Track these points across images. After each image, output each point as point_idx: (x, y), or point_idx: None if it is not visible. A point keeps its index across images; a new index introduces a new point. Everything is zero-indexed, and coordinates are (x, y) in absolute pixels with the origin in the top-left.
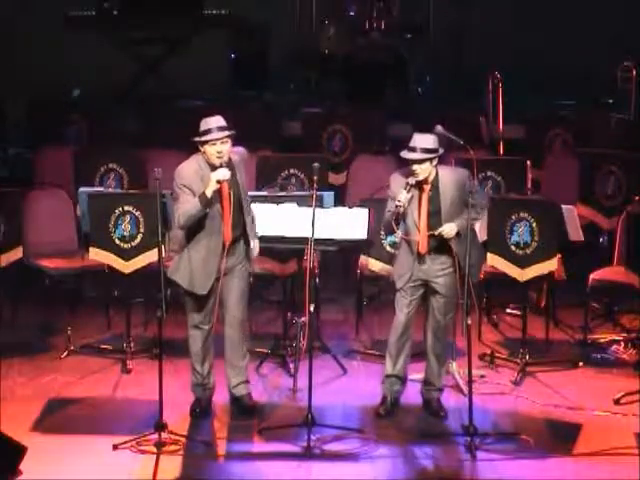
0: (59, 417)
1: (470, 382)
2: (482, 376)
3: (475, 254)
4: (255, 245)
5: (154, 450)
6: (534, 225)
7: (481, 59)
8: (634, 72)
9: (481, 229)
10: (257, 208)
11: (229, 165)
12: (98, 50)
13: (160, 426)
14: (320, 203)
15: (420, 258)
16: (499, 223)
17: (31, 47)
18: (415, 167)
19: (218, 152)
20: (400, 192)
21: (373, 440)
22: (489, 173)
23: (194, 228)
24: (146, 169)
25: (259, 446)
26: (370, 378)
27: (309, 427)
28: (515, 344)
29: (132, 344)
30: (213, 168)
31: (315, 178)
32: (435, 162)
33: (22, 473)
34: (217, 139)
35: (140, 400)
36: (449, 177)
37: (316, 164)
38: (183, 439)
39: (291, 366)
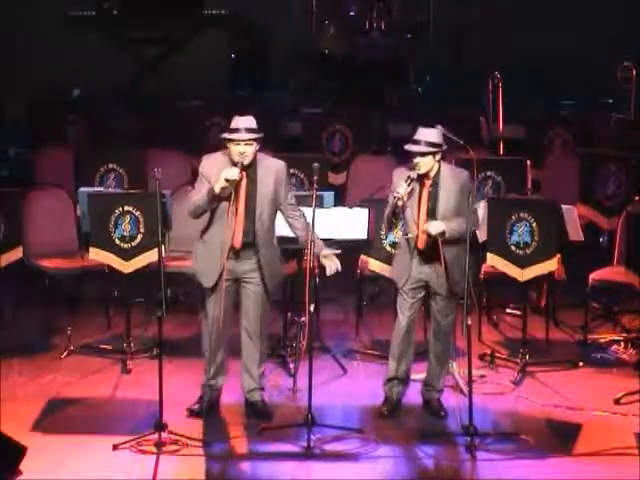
0: (59, 417)
1: (470, 382)
2: (482, 376)
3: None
4: (319, 245)
5: (154, 450)
6: (534, 225)
7: (481, 59)
8: (634, 72)
9: (481, 229)
10: None
11: (252, 170)
12: (98, 50)
13: (160, 426)
14: (320, 203)
15: (420, 258)
16: (499, 223)
17: (31, 47)
18: (417, 159)
19: (240, 152)
20: (400, 185)
21: (373, 440)
22: (489, 173)
23: (212, 222)
24: (146, 169)
25: (259, 446)
26: (370, 378)
27: (309, 427)
28: (515, 344)
29: (132, 344)
30: (235, 166)
31: (315, 178)
32: (438, 157)
33: (22, 473)
34: (241, 140)
35: (140, 400)
36: (451, 176)
37: (316, 164)
38: (183, 439)
39: (291, 366)
